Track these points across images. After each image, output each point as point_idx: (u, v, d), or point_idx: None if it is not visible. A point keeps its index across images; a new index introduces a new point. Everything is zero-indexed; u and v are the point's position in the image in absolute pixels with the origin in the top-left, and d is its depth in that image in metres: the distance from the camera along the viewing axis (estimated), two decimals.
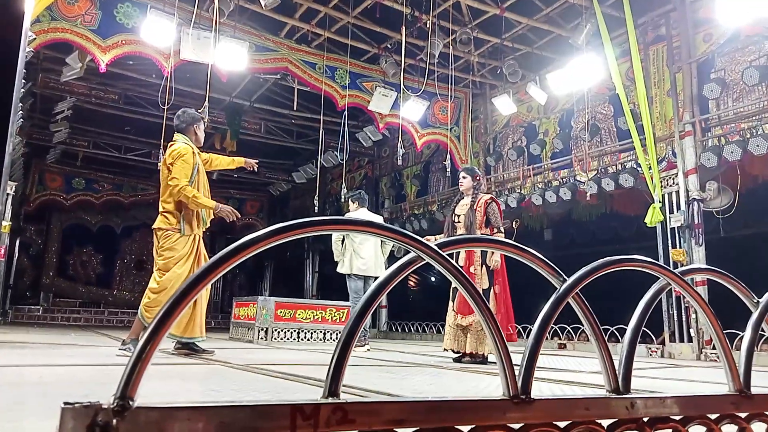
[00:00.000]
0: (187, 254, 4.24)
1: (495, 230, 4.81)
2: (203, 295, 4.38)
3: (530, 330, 1.15)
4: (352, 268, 6.35)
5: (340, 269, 6.47)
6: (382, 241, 6.47)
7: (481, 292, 1.11)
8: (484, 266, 4.78)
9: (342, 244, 6.50)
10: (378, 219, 6.61)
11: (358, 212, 6.55)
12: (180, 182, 4.16)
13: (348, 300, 6.63)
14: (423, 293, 16.02)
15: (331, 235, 6.57)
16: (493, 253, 4.69)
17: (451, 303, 4.91)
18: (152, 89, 9.92)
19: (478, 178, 5.06)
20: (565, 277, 1.21)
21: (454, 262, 1.10)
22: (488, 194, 5.08)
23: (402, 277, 1.10)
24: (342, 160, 10.19)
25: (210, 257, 0.93)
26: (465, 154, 10.47)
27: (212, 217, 4.34)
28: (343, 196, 9.61)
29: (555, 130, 9.35)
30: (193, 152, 4.32)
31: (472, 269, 4.76)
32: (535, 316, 1.19)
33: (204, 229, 4.46)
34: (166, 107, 7.51)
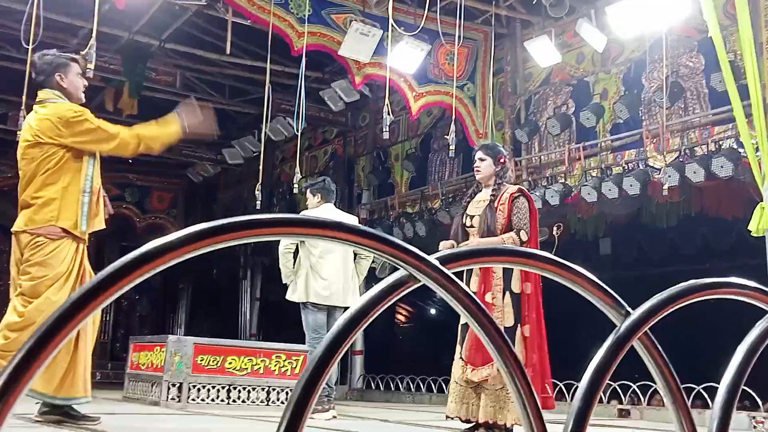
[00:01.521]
0: (67, 272, 4.22)
1: (513, 233, 4.87)
2: (87, 331, 4.36)
3: (575, 389, 1.16)
4: (308, 293, 6.34)
5: (290, 296, 6.48)
6: (356, 255, 6.53)
7: (503, 332, 1.11)
8: (507, 294, 4.83)
9: (295, 257, 6.53)
10: (351, 220, 6.54)
11: (321, 209, 6.61)
12: (112, 131, 4.27)
13: (304, 342, 6.62)
14: (417, 333, 16.03)
15: (278, 243, 6.62)
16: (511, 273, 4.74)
17: (458, 348, 4.93)
18: (12, 20, 9.81)
19: (502, 160, 5.10)
20: (629, 309, 1.21)
21: (464, 284, 1.11)
22: (516, 185, 5.07)
23: (385, 306, 1.11)
24: (298, 131, 10.09)
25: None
26: (483, 125, 10.47)
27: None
28: (297, 185, 9.53)
29: (617, 91, 9.41)
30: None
31: (489, 297, 4.80)
32: (584, 368, 1.19)
33: (90, 234, 4.45)
34: (30, 47, 7.44)
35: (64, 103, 4.35)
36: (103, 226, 4.46)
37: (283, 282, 6.58)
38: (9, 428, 0.80)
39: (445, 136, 9.58)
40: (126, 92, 12.03)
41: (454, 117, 9.86)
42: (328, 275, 6.38)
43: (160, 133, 4.48)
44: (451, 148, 9.30)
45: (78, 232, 4.30)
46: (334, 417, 6.12)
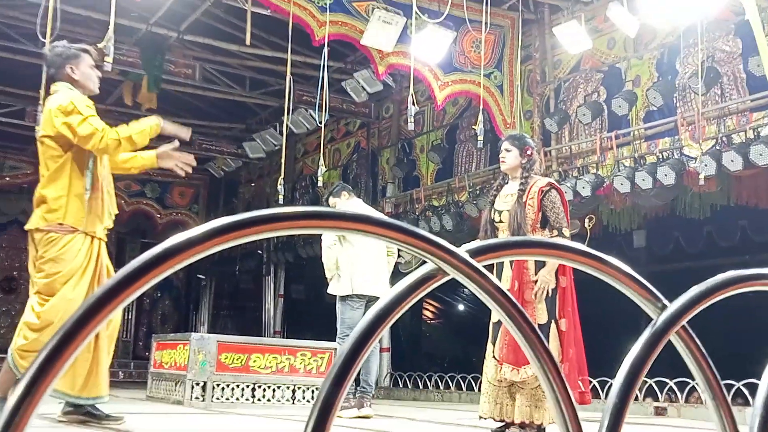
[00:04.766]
0: (82, 268, 4.26)
1: (555, 233, 4.96)
2: (109, 330, 4.41)
3: (611, 386, 1.15)
4: (353, 286, 6.67)
5: (333, 289, 6.86)
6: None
7: (537, 329, 1.10)
8: None
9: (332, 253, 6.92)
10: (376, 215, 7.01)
11: (350, 204, 6.94)
12: (96, 126, 4.20)
13: (334, 339, 6.93)
14: (445, 330, 16.00)
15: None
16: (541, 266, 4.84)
17: (490, 347, 4.98)
18: (28, 13, 9.90)
19: (529, 151, 5.16)
20: (666, 302, 1.21)
21: (495, 279, 1.11)
22: (545, 178, 5.17)
23: (413, 302, 1.11)
24: (321, 122, 10.15)
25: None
26: (511, 115, 10.44)
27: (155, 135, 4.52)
28: (320, 179, 9.89)
29: (651, 77, 9.34)
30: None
31: (526, 293, 4.89)
32: (619, 364, 1.18)
33: (108, 229, 4.49)
34: (48, 40, 7.50)
35: (71, 93, 4.35)
36: (110, 224, 4.49)
37: (326, 276, 6.94)
38: (33, 429, 0.81)
39: (472, 127, 9.63)
40: (145, 86, 12.09)
41: (481, 107, 9.86)
42: (366, 270, 6.76)
43: (140, 125, 4.43)
44: (478, 138, 9.33)
45: (87, 229, 4.32)
46: (368, 416, 6.33)
